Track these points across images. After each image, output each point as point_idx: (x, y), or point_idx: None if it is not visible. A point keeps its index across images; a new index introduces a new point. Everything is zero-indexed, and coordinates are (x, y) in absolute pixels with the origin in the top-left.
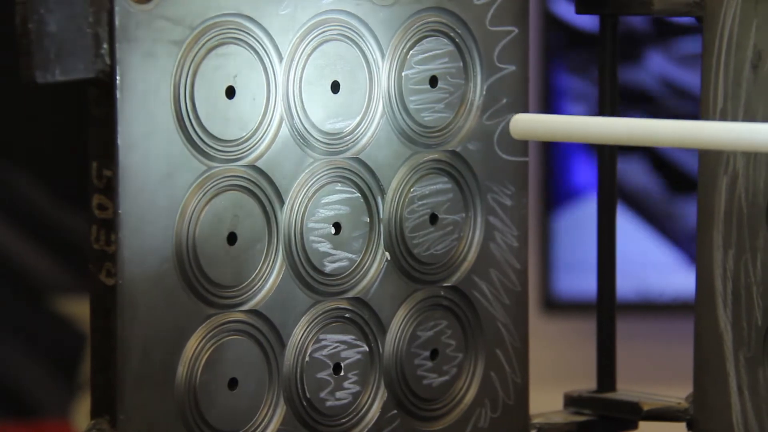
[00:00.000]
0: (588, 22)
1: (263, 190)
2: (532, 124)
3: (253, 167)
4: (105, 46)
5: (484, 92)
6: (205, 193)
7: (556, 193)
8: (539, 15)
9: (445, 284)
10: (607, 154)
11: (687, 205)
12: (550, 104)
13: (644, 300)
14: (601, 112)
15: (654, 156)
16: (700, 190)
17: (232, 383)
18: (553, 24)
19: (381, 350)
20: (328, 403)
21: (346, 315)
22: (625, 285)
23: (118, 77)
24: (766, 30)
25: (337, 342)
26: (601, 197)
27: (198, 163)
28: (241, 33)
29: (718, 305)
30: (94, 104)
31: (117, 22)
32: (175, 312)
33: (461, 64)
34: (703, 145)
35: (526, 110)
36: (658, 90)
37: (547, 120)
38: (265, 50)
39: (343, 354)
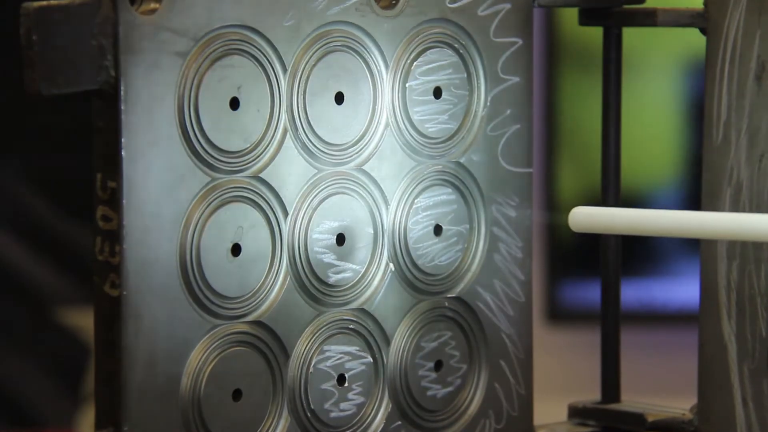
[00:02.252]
0: None
1: (267, 201)
2: (592, 217)
3: (257, 178)
4: (109, 57)
5: (488, 103)
6: (209, 204)
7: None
8: (543, 27)
9: (450, 295)
10: (612, 165)
11: None
12: (553, 116)
13: (649, 311)
14: (605, 126)
15: None
16: (704, 201)
17: (237, 394)
18: None
19: (385, 361)
20: (332, 414)
21: (350, 326)
22: (630, 296)
23: (122, 89)
24: None
25: (341, 353)
26: (605, 203)
27: (202, 174)
28: (246, 44)
29: (722, 316)
30: (99, 116)
31: (121, 33)
32: (180, 323)
33: (465, 75)
34: (759, 238)
35: (530, 122)
36: None
37: (606, 213)
38: (269, 61)
39: (348, 365)
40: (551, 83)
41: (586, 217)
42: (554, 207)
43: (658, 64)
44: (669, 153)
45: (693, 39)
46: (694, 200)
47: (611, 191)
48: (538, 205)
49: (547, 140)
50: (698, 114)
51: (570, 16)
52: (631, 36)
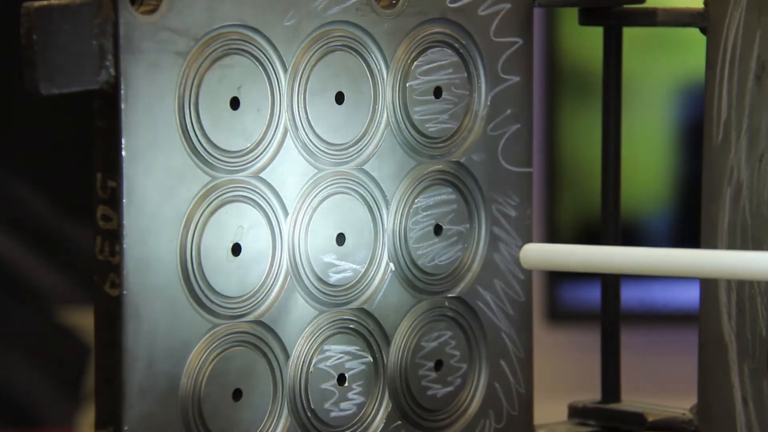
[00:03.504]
0: None
1: (267, 200)
2: (543, 254)
3: (257, 178)
4: (110, 57)
5: (489, 103)
6: (210, 203)
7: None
8: (544, 29)
9: (450, 295)
10: (611, 167)
11: None
12: (553, 116)
13: (649, 310)
14: (605, 126)
15: None
16: (704, 202)
17: (237, 394)
18: None
19: (385, 361)
20: (333, 414)
21: (351, 326)
22: (630, 295)
23: (122, 88)
24: None
25: (341, 353)
26: (605, 207)
27: (202, 174)
28: (246, 44)
29: (722, 316)
30: (99, 115)
31: (122, 33)
32: (180, 323)
33: (465, 74)
34: (717, 275)
35: (530, 122)
36: None
37: (556, 250)
38: (269, 61)
39: (348, 365)
40: (551, 112)
41: (537, 254)
42: (553, 227)
43: (653, 90)
44: (663, 178)
45: (687, 63)
46: (687, 224)
47: (611, 198)
48: (538, 232)
49: (547, 169)
50: (693, 136)
51: (569, 40)
52: (626, 61)
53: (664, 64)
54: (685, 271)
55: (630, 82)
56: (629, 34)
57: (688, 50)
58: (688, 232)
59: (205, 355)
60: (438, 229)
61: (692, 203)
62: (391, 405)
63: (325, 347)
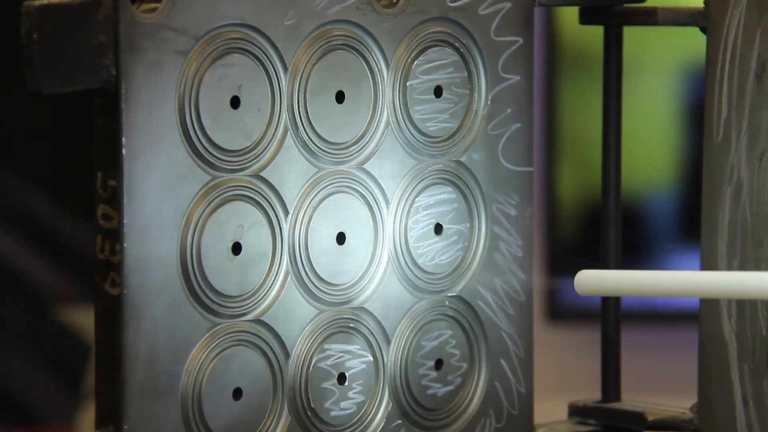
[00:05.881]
0: None
1: (268, 199)
2: (599, 280)
3: (257, 177)
4: (110, 56)
5: (489, 102)
6: (210, 202)
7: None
8: (544, 30)
9: (450, 294)
10: (612, 167)
11: None
12: (554, 118)
13: (649, 310)
14: (605, 125)
15: None
16: (704, 201)
17: (237, 393)
18: None
19: (385, 360)
20: (333, 413)
21: (351, 325)
22: None
23: (123, 87)
24: None
25: (341, 352)
26: (606, 206)
27: (202, 173)
28: (246, 43)
29: (722, 315)
30: (99, 114)
31: (122, 32)
32: (180, 322)
33: (466, 74)
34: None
35: (530, 121)
36: None
37: (613, 276)
38: (270, 60)
39: (348, 364)
40: (551, 85)
41: (592, 280)
42: (554, 209)
43: (656, 68)
44: (667, 156)
45: (691, 42)
46: (691, 203)
47: (612, 194)
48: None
49: (547, 143)
50: (696, 117)
51: (571, 19)
52: (629, 39)
53: (668, 43)
54: (739, 294)
55: (634, 61)
56: None
57: (693, 29)
58: (690, 213)
59: (205, 354)
60: (438, 228)
61: (695, 184)
62: (391, 404)
63: (325, 346)
